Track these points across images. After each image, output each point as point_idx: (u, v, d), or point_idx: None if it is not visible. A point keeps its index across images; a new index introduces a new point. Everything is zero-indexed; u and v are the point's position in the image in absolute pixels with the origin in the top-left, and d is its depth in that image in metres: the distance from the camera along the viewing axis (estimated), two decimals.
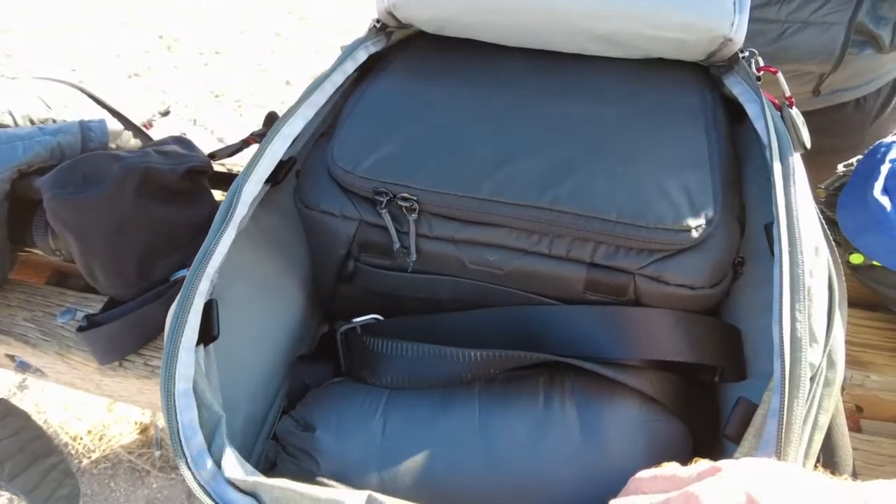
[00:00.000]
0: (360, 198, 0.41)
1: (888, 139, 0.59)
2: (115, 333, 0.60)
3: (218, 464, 0.31)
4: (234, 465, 0.31)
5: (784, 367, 0.31)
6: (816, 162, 0.64)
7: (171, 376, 0.33)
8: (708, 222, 0.36)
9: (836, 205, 0.58)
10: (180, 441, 0.32)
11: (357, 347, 0.41)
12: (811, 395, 0.34)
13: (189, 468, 0.31)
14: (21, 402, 1.15)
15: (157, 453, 1.09)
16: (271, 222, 0.48)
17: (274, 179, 0.44)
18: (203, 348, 0.37)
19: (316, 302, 0.51)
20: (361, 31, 0.61)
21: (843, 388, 0.41)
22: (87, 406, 1.15)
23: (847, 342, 0.54)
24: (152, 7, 2.64)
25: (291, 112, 0.43)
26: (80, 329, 0.59)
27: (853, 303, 0.57)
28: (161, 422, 1.12)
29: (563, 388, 0.37)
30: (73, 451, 1.03)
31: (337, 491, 0.29)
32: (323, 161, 0.43)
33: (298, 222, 0.48)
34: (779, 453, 0.30)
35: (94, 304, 0.68)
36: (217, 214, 0.39)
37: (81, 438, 1.11)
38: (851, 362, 0.52)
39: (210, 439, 0.32)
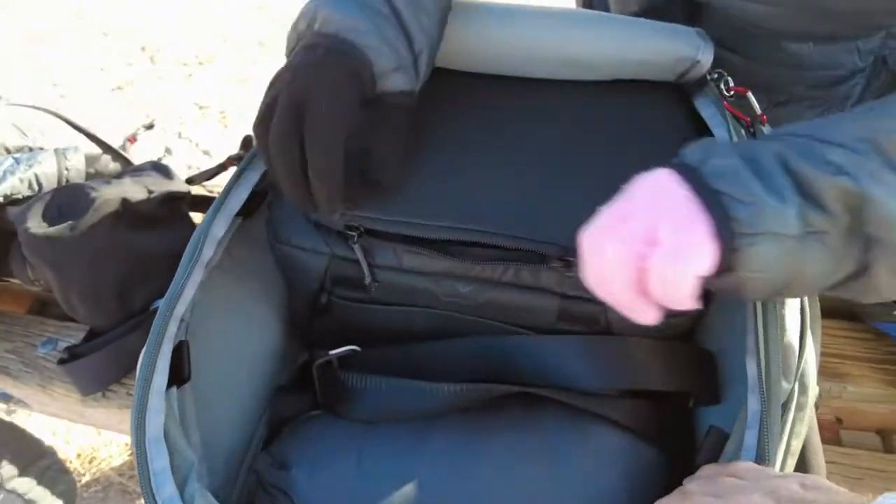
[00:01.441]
0: (331, 232, 0.41)
1: None
2: (96, 364, 0.59)
3: None
4: None
5: (762, 402, 0.31)
6: None
7: (142, 424, 0.33)
8: None
9: None
10: (151, 490, 0.31)
11: (332, 381, 0.41)
12: (783, 422, 0.34)
13: None
14: None
15: None
16: (246, 253, 0.47)
17: (246, 212, 0.44)
18: (176, 389, 0.36)
19: (292, 331, 0.50)
20: None
21: (817, 406, 0.42)
22: (75, 430, 1.15)
23: (824, 354, 0.54)
24: (134, 18, 2.62)
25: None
26: (62, 361, 0.59)
27: (831, 314, 0.57)
28: None
29: (538, 420, 0.37)
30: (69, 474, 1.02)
31: None
32: None
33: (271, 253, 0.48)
34: None
35: (75, 334, 0.67)
36: (184, 255, 0.39)
37: (71, 462, 1.10)
38: (829, 374, 0.53)
39: (182, 486, 0.32)
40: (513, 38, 0.45)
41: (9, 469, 0.87)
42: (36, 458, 0.91)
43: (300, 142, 0.34)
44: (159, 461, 0.32)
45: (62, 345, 0.66)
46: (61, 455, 1.09)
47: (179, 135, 1.99)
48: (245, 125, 2.02)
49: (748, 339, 0.33)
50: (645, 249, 0.28)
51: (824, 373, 0.53)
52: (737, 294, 0.29)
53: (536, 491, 0.35)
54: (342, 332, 0.44)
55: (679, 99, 0.46)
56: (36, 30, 2.56)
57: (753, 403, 0.31)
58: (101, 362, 0.60)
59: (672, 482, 0.34)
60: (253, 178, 0.42)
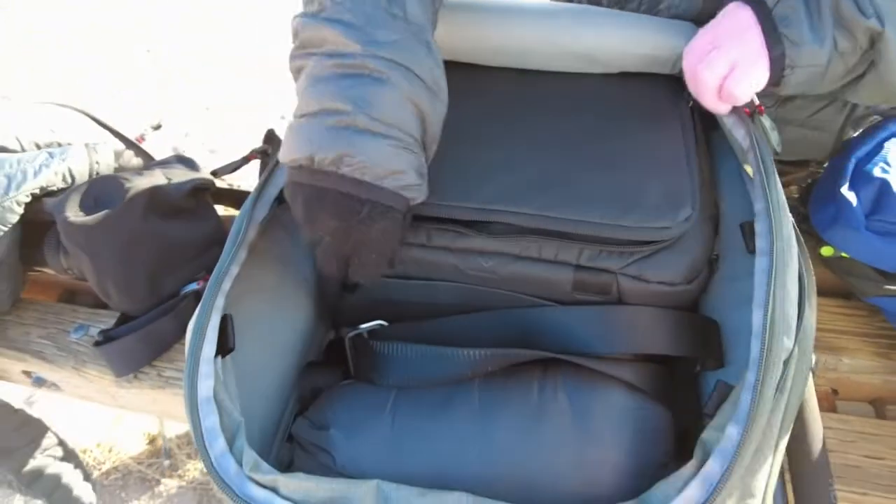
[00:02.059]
0: None
1: (855, 136, 0.62)
2: (129, 347, 0.62)
3: (239, 463, 0.34)
4: (254, 464, 0.34)
5: (763, 347, 0.34)
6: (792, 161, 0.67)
7: (194, 385, 0.36)
8: (685, 221, 0.40)
9: (808, 201, 0.62)
10: (204, 444, 0.35)
11: (364, 351, 0.45)
12: (783, 379, 0.37)
13: (214, 468, 0.34)
14: None
15: (167, 462, 1.11)
16: (277, 237, 0.50)
17: (281, 197, 0.47)
18: (221, 360, 0.40)
19: (322, 310, 0.53)
20: None
21: (813, 372, 0.45)
22: (95, 420, 1.18)
23: (821, 329, 0.58)
24: (138, 21, 2.65)
25: None
26: (97, 343, 0.62)
27: (826, 293, 0.61)
28: (169, 432, 1.15)
29: (555, 382, 0.40)
30: (82, 466, 1.05)
31: (349, 481, 0.32)
32: None
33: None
34: (750, 421, 0.32)
35: (105, 320, 0.70)
36: (230, 235, 0.42)
37: (91, 451, 1.13)
38: (825, 348, 0.56)
39: (231, 442, 0.35)
40: (530, 35, 0.48)
41: (34, 470, 0.91)
42: (61, 460, 0.95)
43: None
44: (210, 419, 0.35)
45: (93, 330, 0.69)
46: (81, 445, 1.12)
47: (186, 134, 2.02)
48: (252, 124, 2.05)
49: (755, 294, 0.36)
50: (725, 70, 0.42)
51: (821, 346, 0.56)
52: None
53: (555, 447, 0.38)
54: (370, 308, 0.47)
55: (682, 89, 0.50)
56: (42, 34, 2.59)
57: (755, 348, 0.34)
58: (133, 345, 0.63)
59: (677, 441, 0.37)
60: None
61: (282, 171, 0.45)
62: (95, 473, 1.10)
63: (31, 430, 0.95)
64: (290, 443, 0.44)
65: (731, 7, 0.44)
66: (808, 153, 0.63)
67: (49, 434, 0.95)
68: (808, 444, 0.42)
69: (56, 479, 0.96)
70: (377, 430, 0.39)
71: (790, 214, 0.42)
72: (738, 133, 0.45)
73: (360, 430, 0.39)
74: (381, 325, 0.46)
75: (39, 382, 0.72)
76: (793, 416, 0.39)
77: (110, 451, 1.14)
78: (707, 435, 0.34)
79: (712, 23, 0.45)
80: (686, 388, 0.42)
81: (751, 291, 0.38)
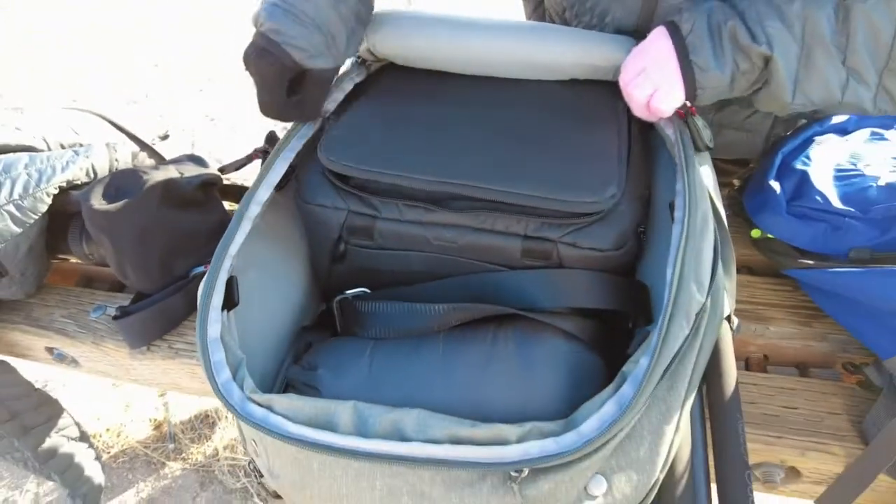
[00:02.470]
0: (346, 192, 0.52)
1: (784, 136, 0.71)
2: (144, 321, 0.70)
3: (241, 388, 0.42)
4: (252, 389, 0.42)
5: (670, 294, 0.42)
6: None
7: (204, 327, 0.44)
8: (610, 197, 0.48)
9: (744, 191, 0.71)
10: (212, 374, 0.42)
11: (349, 311, 0.52)
12: (696, 326, 0.44)
13: (220, 392, 0.42)
14: None
15: (171, 446, 1.18)
16: (276, 220, 0.58)
17: (279, 185, 0.55)
18: (227, 314, 0.47)
19: (315, 284, 0.61)
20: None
21: (734, 332, 0.52)
22: (105, 407, 1.25)
23: (752, 302, 0.66)
24: (147, 37, 2.76)
25: (294, 131, 0.54)
26: (115, 318, 0.69)
27: (757, 271, 0.69)
28: (174, 417, 1.22)
29: (506, 333, 0.48)
30: (93, 448, 1.12)
31: (331, 401, 0.40)
32: (317, 165, 0.54)
33: (298, 219, 0.59)
34: (656, 354, 0.40)
35: (121, 301, 0.78)
36: (236, 211, 0.50)
37: (101, 436, 1.20)
38: (755, 318, 0.64)
39: (234, 372, 0.43)
40: (491, 51, 0.57)
41: (50, 448, 0.97)
42: (75, 440, 1.01)
43: None
44: (217, 355, 0.43)
45: (111, 310, 0.77)
46: (91, 430, 1.20)
47: (192, 145, 2.11)
48: (254, 134, 2.15)
49: (670, 254, 0.44)
50: (650, 91, 0.52)
51: (752, 317, 0.64)
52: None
53: (502, 380, 0.45)
54: (355, 277, 0.55)
55: (618, 93, 0.58)
56: (42, 34, 2.69)
57: (667, 296, 0.41)
58: (147, 319, 0.71)
59: (608, 384, 0.44)
60: (289, 154, 0.53)
61: (281, 160, 0.53)
62: (105, 456, 1.17)
63: (48, 410, 1.02)
64: (287, 390, 0.52)
65: (655, 34, 0.54)
66: (742, 153, 0.71)
67: (65, 414, 1.03)
68: (722, 388, 0.50)
69: (70, 457, 1.02)
70: (357, 370, 0.47)
71: (707, 194, 0.51)
72: (667, 130, 0.54)
73: (343, 370, 0.47)
74: (364, 291, 0.54)
75: (61, 358, 0.80)
76: (705, 359, 0.47)
77: (118, 435, 1.21)
78: (625, 367, 0.42)
79: (642, 47, 0.55)
80: (618, 340, 0.50)
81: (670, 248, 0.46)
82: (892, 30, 0.48)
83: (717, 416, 0.49)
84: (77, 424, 1.04)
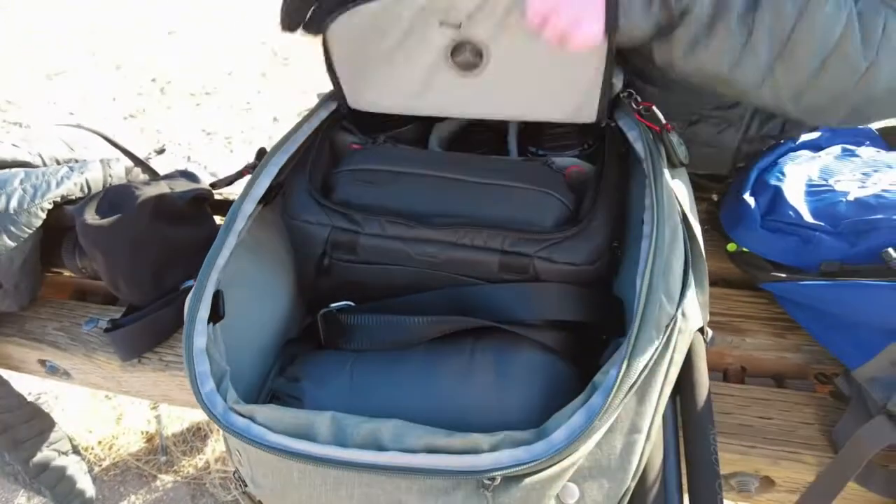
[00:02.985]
0: (330, 209, 0.54)
1: (759, 153, 0.73)
2: (135, 333, 0.72)
3: (224, 399, 0.43)
4: (235, 400, 0.43)
5: (638, 306, 0.43)
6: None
7: (191, 339, 0.45)
8: (583, 219, 0.50)
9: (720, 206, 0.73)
10: (197, 385, 0.44)
11: (333, 324, 0.54)
12: (665, 338, 0.46)
13: (204, 402, 0.43)
14: None
15: (163, 459, 1.19)
16: (263, 235, 0.60)
17: (265, 200, 0.57)
18: (212, 326, 0.49)
19: (300, 297, 0.63)
20: None
21: (708, 343, 0.54)
22: (97, 420, 1.25)
23: (729, 314, 0.67)
24: (144, 52, 2.80)
25: (278, 147, 0.56)
26: (107, 330, 0.71)
27: (734, 284, 0.70)
28: (166, 430, 1.23)
29: (484, 345, 0.49)
30: (84, 458, 1.13)
31: (310, 411, 0.42)
32: (304, 184, 0.56)
33: (284, 235, 0.61)
34: (624, 365, 0.41)
35: (113, 314, 0.79)
36: (222, 225, 0.52)
37: (92, 449, 1.20)
38: (732, 330, 0.65)
39: (218, 384, 0.45)
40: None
41: (39, 462, 0.97)
42: (65, 454, 1.02)
43: None
44: (202, 366, 0.45)
45: (103, 323, 0.78)
46: (83, 443, 1.20)
47: (188, 158, 2.13)
48: (249, 149, 2.18)
49: (639, 267, 0.45)
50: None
51: (729, 329, 0.66)
52: None
53: (483, 394, 0.47)
54: (340, 290, 0.57)
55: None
56: (53, 65, 2.73)
57: (637, 306, 0.43)
58: (138, 332, 0.72)
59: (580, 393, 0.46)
60: (273, 169, 0.55)
61: (265, 175, 0.55)
62: (96, 469, 1.18)
63: (39, 423, 1.02)
64: (271, 401, 0.53)
65: None
66: (712, 167, 0.74)
67: (56, 428, 1.03)
68: (695, 398, 0.51)
69: (61, 471, 1.03)
70: (339, 381, 0.48)
71: (678, 209, 0.52)
72: (637, 145, 0.55)
73: (325, 381, 0.49)
74: (348, 304, 0.56)
75: (53, 370, 0.81)
76: (676, 370, 0.48)
77: (110, 448, 1.21)
78: (596, 378, 0.43)
79: None
80: (592, 352, 0.52)
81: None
82: (793, 20, 0.48)
83: (689, 426, 0.50)
84: (69, 438, 1.04)
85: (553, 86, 0.58)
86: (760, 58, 0.50)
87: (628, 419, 0.45)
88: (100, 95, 2.51)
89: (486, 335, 0.50)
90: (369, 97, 0.63)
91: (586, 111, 0.59)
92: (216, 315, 0.49)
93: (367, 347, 0.51)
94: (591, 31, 0.50)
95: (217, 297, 0.50)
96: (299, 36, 0.60)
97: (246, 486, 0.49)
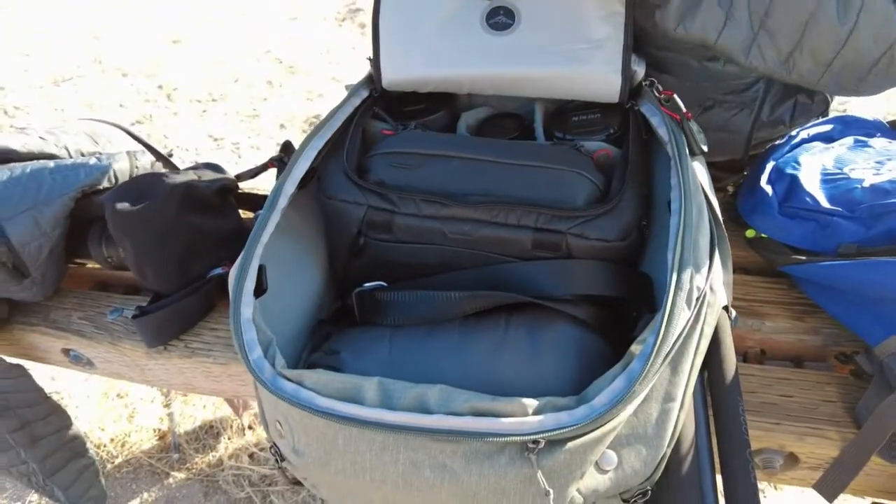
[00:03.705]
0: (366, 189, 0.56)
1: (778, 141, 0.75)
2: (161, 320, 0.73)
3: (272, 365, 0.44)
4: (283, 366, 0.44)
5: (671, 277, 0.45)
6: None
7: (238, 308, 0.46)
8: (614, 198, 0.52)
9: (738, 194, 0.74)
10: (245, 351, 0.45)
11: (368, 302, 0.55)
12: (695, 310, 0.47)
13: (252, 368, 0.44)
14: None
15: (175, 456, 1.19)
16: (295, 218, 0.61)
17: (301, 184, 0.58)
18: (256, 300, 0.50)
19: (332, 281, 0.64)
20: (347, 80, 0.75)
21: (733, 323, 0.55)
22: (109, 417, 1.25)
23: (748, 299, 0.69)
24: (151, 59, 2.82)
25: (315, 132, 0.58)
26: (135, 317, 0.72)
27: (753, 271, 0.72)
28: (178, 428, 1.23)
29: (518, 319, 0.51)
30: (97, 459, 1.13)
31: (357, 376, 0.43)
32: (339, 166, 0.57)
33: (317, 218, 0.62)
34: (661, 332, 0.42)
35: (138, 304, 0.80)
36: (265, 205, 0.53)
37: (105, 446, 1.20)
38: (753, 314, 0.67)
39: (265, 350, 0.46)
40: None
41: (56, 461, 0.97)
42: (80, 455, 1.01)
43: None
44: (250, 334, 0.46)
45: (128, 312, 0.79)
46: (96, 440, 1.20)
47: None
48: (257, 155, 2.19)
49: (670, 242, 0.47)
50: None
51: (749, 313, 0.67)
52: None
53: (514, 366, 0.48)
54: (373, 271, 0.58)
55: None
56: (60, 72, 2.75)
57: (669, 277, 0.44)
58: (165, 319, 0.73)
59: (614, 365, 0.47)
60: (311, 153, 0.57)
61: (304, 158, 0.56)
62: (108, 467, 1.17)
63: (57, 420, 1.02)
64: None
65: None
66: (727, 153, 0.75)
67: (73, 426, 1.03)
68: (723, 373, 0.52)
69: (75, 473, 1.02)
70: (378, 353, 0.50)
71: (701, 189, 0.54)
72: (661, 130, 0.57)
73: (364, 353, 0.50)
74: (381, 284, 0.57)
75: (77, 360, 0.82)
76: (706, 344, 0.50)
77: (122, 446, 1.21)
78: (633, 346, 0.44)
79: None
80: (623, 326, 0.53)
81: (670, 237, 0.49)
82: None
83: (718, 399, 0.52)
84: (83, 436, 1.04)
85: (578, 45, 0.63)
86: (742, 28, 0.56)
87: (663, 388, 0.46)
88: (107, 102, 2.53)
89: (519, 310, 0.52)
90: (407, 66, 0.67)
91: (608, 86, 0.63)
92: (259, 288, 0.50)
93: (403, 323, 0.52)
94: None
95: (261, 270, 0.51)
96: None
97: (282, 460, 0.50)
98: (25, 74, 2.77)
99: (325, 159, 0.61)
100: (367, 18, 0.60)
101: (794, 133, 0.75)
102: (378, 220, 0.56)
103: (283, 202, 0.53)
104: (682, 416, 0.46)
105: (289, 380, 0.43)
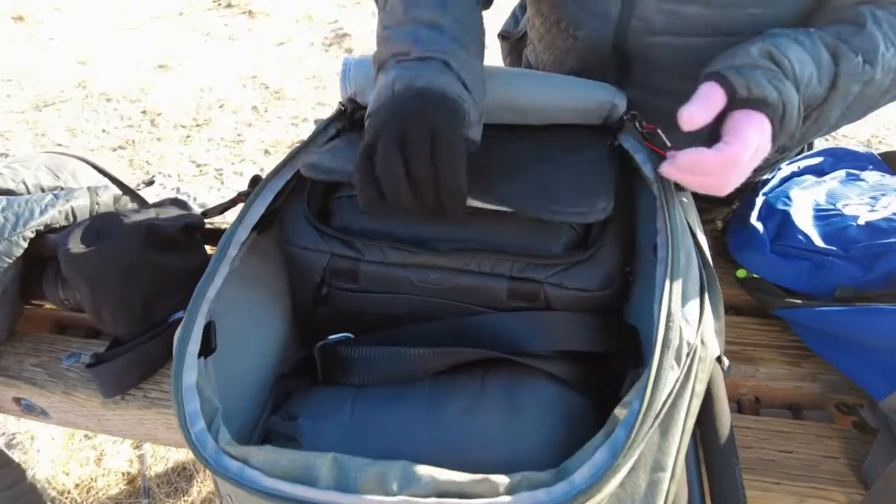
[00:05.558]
0: (329, 235, 0.52)
1: (766, 175, 0.72)
2: (119, 369, 0.68)
3: (216, 439, 0.40)
4: (228, 441, 0.40)
5: (657, 333, 0.41)
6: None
7: (179, 375, 0.42)
8: (602, 210, 0.48)
9: (727, 231, 0.71)
10: (186, 424, 0.40)
11: (331, 357, 0.51)
12: (685, 367, 0.43)
13: (194, 443, 0.39)
14: None
15: (145, 502, 1.13)
16: (257, 263, 0.57)
17: (260, 227, 0.54)
18: (203, 360, 0.46)
19: (295, 329, 0.60)
20: (333, 105, 0.72)
21: (725, 373, 0.51)
22: (74, 461, 1.19)
23: (741, 343, 0.65)
24: (136, 84, 2.80)
25: (275, 172, 0.54)
26: (89, 365, 0.67)
27: (745, 312, 0.68)
28: (149, 471, 1.16)
29: (494, 377, 0.46)
30: None
31: (309, 453, 0.38)
32: (301, 209, 0.53)
33: (279, 263, 0.58)
34: (647, 395, 0.38)
35: (96, 348, 0.75)
36: (215, 253, 0.49)
37: (70, 492, 1.14)
38: (744, 359, 0.63)
39: (209, 423, 0.41)
40: None
41: None
42: (15, 483, 0.95)
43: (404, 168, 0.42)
44: (192, 404, 0.41)
45: (85, 358, 0.74)
46: (59, 485, 1.14)
47: (178, 190, 2.11)
48: (240, 181, 2.16)
49: (656, 293, 0.43)
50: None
51: (742, 358, 0.63)
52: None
53: (490, 427, 0.44)
54: (338, 320, 0.54)
55: (603, 136, 0.59)
56: (41, 96, 2.71)
57: (656, 333, 0.40)
58: (123, 367, 0.68)
59: (598, 429, 0.43)
60: (269, 195, 0.53)
61: (261, 201, 0.52)
62: None
63: (11, 473, 0.97)
64: (266, 441, 0.50)
65: (747, 122, 0.48)
66: None
67: (27, 479, 0.97)
68: (717, 431, 0.48)
69: None
70: (339, 418, 0.45)
71: (689, 232, 0.51)
72: (645, 168, 0.54)
73: (325, 419, 0.45)
74: (346, 336, 0.53)
75: (29, 409, 0.77)
76: (698, 402, 0.46)
77: (88, 491, 1.15)
78: (617, 410, 0.40)
79: (747, 140, 0.47)
80: (609, 383, 0.49)
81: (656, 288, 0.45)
82: (857, 91, 0.51)
83: (712, 461, 0.48)
84: (42, 488, 0.98)
85: None
86: (830, 121, 0.54)
87: (651, 456, 0.42)
88: (89, 128, 2.49)
89: (494, 367, 0.48)
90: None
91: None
92: (208, 347, 0.46)
93: (368, 382, 0.48)
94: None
95: (209, 328, 0.46)
96: None
97: None
98: (8, 100, 2.73)
99: (287, 200, 0.57)
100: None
101: (782, 165, 0.72)
102: (342, 268, 0.52)
103: (233, 251, 0.49)
104: (672, 487, 0.42)
105: (233, 457, 0.39)
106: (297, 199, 0.56)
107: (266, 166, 2.20)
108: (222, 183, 2.16)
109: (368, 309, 0.53)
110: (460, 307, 0.51)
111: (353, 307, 0.53)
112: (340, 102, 0.65)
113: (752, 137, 0.48)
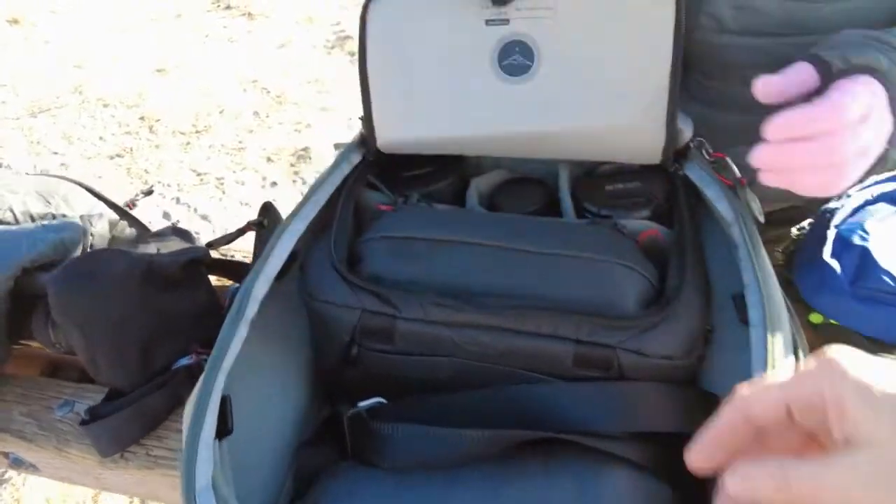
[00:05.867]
0: (360, 288, 0.44)
1: (832, 205, 0.65)
2: (118, 425, 0.61)
3: None
4: None
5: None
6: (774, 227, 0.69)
7: (192, 473, 0.35)
8: (672, 299, 0.41)
9: (792, 266, 0.64)
10: None
11: (363, 431, 0.43)
12: None
13: None
14: (0, 496, 1.11)
15: None
16: (275, 312, 0.50)
17: (280, 274, 0.47)
18: (218, 443, 0.39)
19: (317, 386, 0.53)
20: (336, 110, 0.64)
21: None
22: (70, 498, 1.12)
23: None
24: (133, 89, 2.72)
25: (295, 213, 0.47)
26: (83, 422, 0.60)
27: None
28: None
29: (561, 465, 0.39)
30: None
31: None
32: (326, 255, 0.46)
33: (299, 309, 0.51)
34: None
35: (92, 395, 0.68)
36: (230, 313, 0.42)
37: None
38: None
39: None
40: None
41: None
42: None
43: None
44: None
45: (80, 407, 0.67)
46: None
47: (177, 200, 2.03)
48: (242, 190, 2.08)
49: (754, 367, 0.36)
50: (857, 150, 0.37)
51: None
52: None
53: None
54: (370, 383, 0.47)
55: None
56: (37, 102, 2.64)
57: None
58: (121, 422, 0.61)
59: None
60: (289, 243, 0.46)
61: (280, 247, 0.45)
62: None
63: None
64: None
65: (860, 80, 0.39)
66: (779, 200, 0.64)
67: None
68: None
69: None
70: None
71: (778, 284, 0.44)
72: (720, 205, 0.47)
73: None
74: (379, 402, 0.46)
75: (17, 463, 0.69)
76: None
77: None
78: None
79: (852, 90, 0.37)
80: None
81: (749, 363, 0.38)
82: None
83: None
84: None
85: (611, 96, 0.51)
86: None
87: None
88: (86, 134, 2.42)
89: (559, 450, 0.40)
90: (406, 124, 0.56)
91: (649, 143, 0.52)
92: (223, 429, 0.39)
93: (408, 467, 0.41)
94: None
95: (224, 404, 0.39)
96: None
97: None
98: (2, 106, 2.65)
99: (309, 242, 0.50)
100: (357, 46, 0.49)
101: (850, 193, 0.65)
102: (375, 326, 0.45)
103: (252, 309, 0.41)
104: None
105: None
106: (321, 242, 0.49)
107: (268, 175, 2.13)
108: (224, 192, 2.08)
109: (405, 373, 0.46)
110: (515, 374, 0.43)
111: (388, 370, 0.46)
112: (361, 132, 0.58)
113: (858, 89, 0.37)
